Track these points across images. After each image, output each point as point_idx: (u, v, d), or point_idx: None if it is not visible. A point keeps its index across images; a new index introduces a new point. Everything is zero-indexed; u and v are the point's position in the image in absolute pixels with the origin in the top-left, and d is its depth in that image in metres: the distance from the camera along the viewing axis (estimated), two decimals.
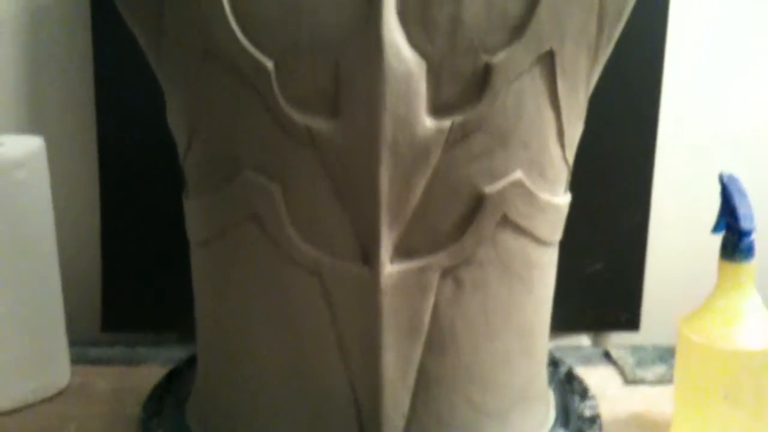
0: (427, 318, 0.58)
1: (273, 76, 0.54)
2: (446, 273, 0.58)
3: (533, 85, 0.56)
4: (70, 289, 0.82)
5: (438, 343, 0.59)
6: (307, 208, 0.57)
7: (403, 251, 0.57)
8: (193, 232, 0.63)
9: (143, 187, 0.87)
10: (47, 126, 0.87)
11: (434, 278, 0.57)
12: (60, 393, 0.79)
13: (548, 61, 0.55)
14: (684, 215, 0.92)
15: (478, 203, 0.57)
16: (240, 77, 0.54)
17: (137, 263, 0.89)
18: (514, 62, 0.54)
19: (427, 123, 0.54)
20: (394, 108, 0.53)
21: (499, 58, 0.54)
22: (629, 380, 0.84)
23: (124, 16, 0.59)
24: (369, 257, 0.56)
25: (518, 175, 0.57)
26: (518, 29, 0.54)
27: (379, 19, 0.52)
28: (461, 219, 0.57)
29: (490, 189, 0.57)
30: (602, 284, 0.92)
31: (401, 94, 0.53)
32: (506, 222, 0.58)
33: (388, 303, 0.56)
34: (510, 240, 0.59)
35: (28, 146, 0.76)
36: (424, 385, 0.59)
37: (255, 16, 0.53)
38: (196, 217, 0.62)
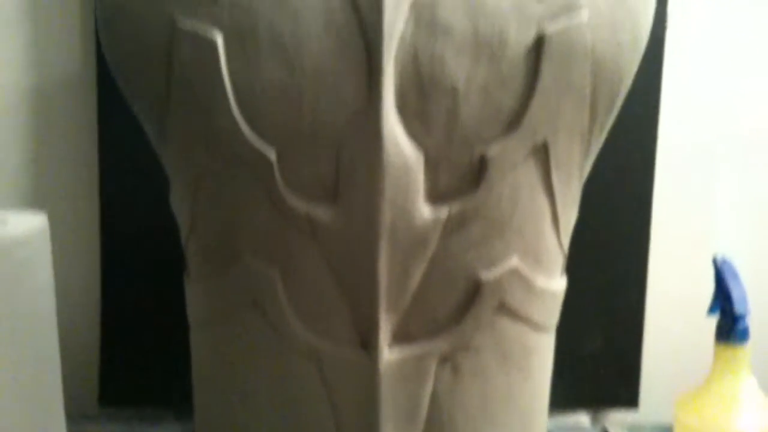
0: (425, 405, 0.58)
1: (275, 165, 0.55)
2: (444, 359, 0.58)
3: (528, 175, 0.57)
4: (69, 363, 0.81)
5: (437, 430, 0.59)
6: (306, 294, 0.57)
7: (401, 337, 0.57)
8: (193, 314, 0.64)
9: (144, 264, 0.88)
10: (50, 202, 0.88)
11: (432, 364, 0.58)
12: None
13: (542, 153, 0.57)
14: (681, 294, 0.93)
15: (475, 290, 0.58)
16: (242, 165, 0.56)
17: (136, 339, 0.89)
18: (509, 154, 0.56)
19: (425, 212, 0.56)
20: (393, 197, 0.54)
21: (494, 150, 0.55)
22: None
23: (129, 103, 0.61)
24: (367, 343, 0.57)
25: (515, 262, 0.58)
26: (513, 122, 0.55)
27: (379, 112, 0.53)
28: (459, 305, 0.58)
29: (487, 276, 0.58)
30: (600, 362, 0.92)
31: (400, 184, 0.54)
32: (504, 308, 0.59)
33: (386, 389, 0.57)
34: (507, 326, 0.59)
35: (32, 224, 0.76)
36: None
37: (258, 107, 0.55)
38: (197, 299, 0.63)
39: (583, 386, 0.92)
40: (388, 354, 0.57)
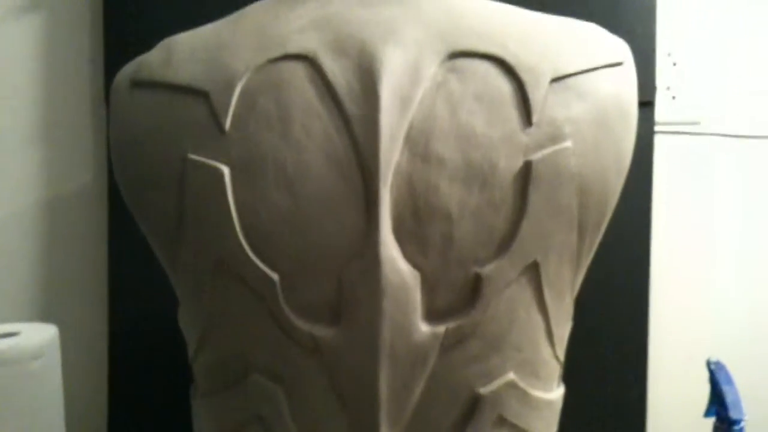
0: None
1: (279, 287, 0.58)
2: None
3: (522, 293, 0.60)
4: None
5: None
6: (309, 410, 0.59)
7: None
8: (200, 428, 0.66)
9: (152, 376, 0.89)
10: (60, 314, 0.90)
11: None
12: None
13: (534, 272, 0.59)
14: (680, 394, 0.95)
15: (474, 404, 0.60)
16: (249, 288, 0.59)
17: (145, 416, 0.90)
18: (502, 273, 0.58)
19: (423, 329, 0.58)
20: (392, 316, 0.57)
21: (488, 270, 0.58)
22: None
23: (142, 228, 0.64)
24: None
25: (511, 376, 0.60)
26: (505, 244, 0.58)
27: (377, 238, 0.56)
28: (459, 419, 0.60)
29: (485, 390, 0.59)
30: None
31: (398, 304, 0.57)
32: (502, 421, 0.60)
33: None
34: None
35: (43, 336, 0.78)
36: None
37: (263, 233, 0.58)
38: (204, 414, 0.65)
39: None
40: None
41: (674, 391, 0.95)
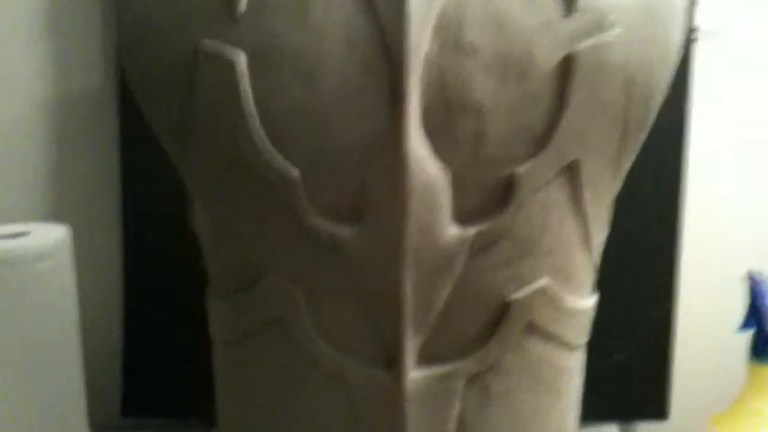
0: (453, 427, 0.58)
1: (299, 184, 0.54)
2: (472, 380, 0.57)
3: (558, 195, 0.56)
4: (92, 374, 0.82)
5: None
6: (330, 314, 0.57)
7: (427, 357, 0.57)
8: (216, 331, 0.64)
9: (167, 275, 0.87)
10: (72, 214, 0.88)
11: (459, 385, 0.57)
12: None
13: (572, 173, 0.56)
14: (712, 305, 0.92)
15: (503, 310, 0.57)
16: (266, 185, 0.55)
17: (160, 349, 0.89)
18: (538, 173, 0.55)
19: (452, 231, 0.55)
20: (419, 217, 0.54)
21: (523, 170, 0.54)
22: None
23: (151, 124, 0.60)
24: (393, 363, 0.56)
25: (544, 282, 0.57)
26: (542, 142, 0.54)
27: (403, 132, 0.53)
28: (486, 326, 0.57)
29: (515, 296, 0.57)
30: (629, 373, 0.90)
31: (425, 204, 0.54)
32: (532, 328, 0.58)
33: (412, 411, 0.56)
34: (537, 346, 0.59)
35: (53, 236, 0.76)
36: None
37: (281, 127, 0.54)
38: (220, 316, 0.63)
39: (611, 398, 0.90)
40: (414, 374, 0.56)
41: (704, 305, 0.92)
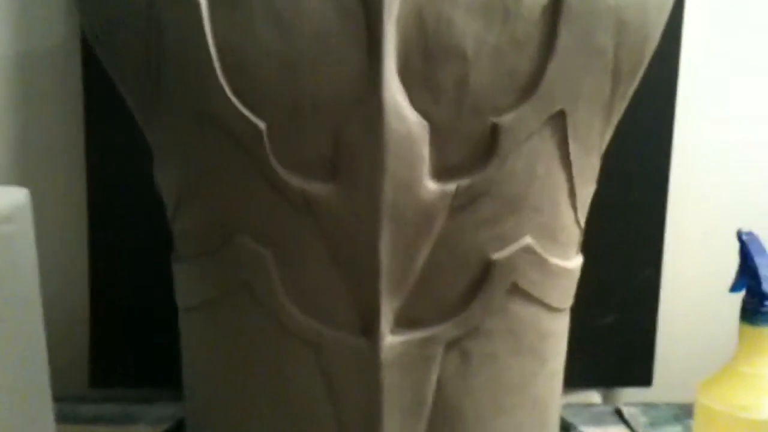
0: (430, 393, 0.55)
1: (266, 138, 0.51)
2: (452, 345, 0.54)
3: (544, 146, 0.53)
4: (58, 344, 0.79)
5: (443, 420, 0.55)
6: (301, 276, 0.53)
7: (405, 322, 0.53)
8: (181, 297, 0.60)
9: (134, 242, 0.84)
10: (35, 177, 0.85)
11: (438, 350, 0.54)
12: None
13: (560, 122, 0.52)
14: (699, 268, 0.90)
15: (485, 271, 0.54)
16: (232, 138, 0.52)
17: (127, 318, 0.86)
18: (523, 123, 0.51)
19: (431, 187, 0.51)
20: (396, 171, 0.50)
21: (507, 119, 0.51)
22: None
23: (111, 75, 0.56)
24: (368, 328, 0.53)
25: (528, 240, 0.54)
26: (528, 89, 0.51)
27: (380, 81, 0.49)
28: (468, 287, 0.54)
29: (498, 255, 0.53)
30: (614, 338, 0.88)
31: (403, 157, 0.50)
32: (516, 290, 0.55)
33: (389, 377, 0.53)
34: (520, 309, 0.56)
35: (13, 199, 0.72)
36: None
37: (249, 75, 0.50)
38: (185, 281, 0.59)
39: (595, 363, 0.88)
40: (390, 339, 0.53)
41: (691, 267, 0.89)
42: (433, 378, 0.54)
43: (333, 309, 0.53)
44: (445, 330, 0.54)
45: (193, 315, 0.59)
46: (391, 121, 0.49)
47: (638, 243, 0.87)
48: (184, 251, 0.58)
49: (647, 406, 0.87)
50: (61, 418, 0.76)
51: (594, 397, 0.92)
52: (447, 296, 0.54)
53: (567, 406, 0.85)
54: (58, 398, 0.77)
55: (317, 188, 0.51)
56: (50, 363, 0.76)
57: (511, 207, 0.53)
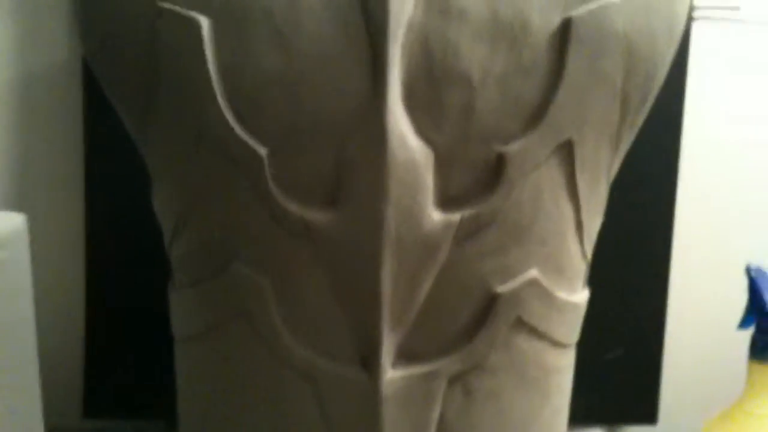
0: (432, 429, 0.52)
1: (266, 163, 0.49)
2: (454, 380, 0.52)
3: (551, 177, 0.51)
4: (51, 372, 0.77)
5: None
6: (300, 306, 0.51)
7: (406, 355, 0.51)
8: (177, 327, 0.58)
9: (131, 269, 0.82)
10: (32, 203, 0.82)
11: (441, 386, 0.52)
12: None
13: (567, 152, 0.51)
14: (705, 303, 0.87)
15: (490, 304, 0.52)
16: (232, 163, 0.50)
17: (123, 348, 0.84)
18: (530, 152, 0.50)
19: (435, 216, 0.50)
20: (399, 199, 0.48)
21: (514, 148, 0.49)
22: None
23: (109, 96, 0.55)
24: (368, 361, 0.51)
25: (534, 273, 0.52)
26: (535, 117, 0.49)
27: (384, 106, 0.47)
28: (471, 321, 0.52)
29: (503, 289, 0.52)
30: (618, 375, 0.85)
31: (406, 185, 0.48)
32: (521, 324, 0.53)
33: (389, 413, 0.51)
34: (525, 344, 0.54)
35: (10, 225, 0.71)
36: None
37: (249, 97, 0.49)
38: (181, 310, 0.57)
39: (598, 400, 0.85)
40: (391, 374, 0.51)
41: (698, 303, 0.87)
42: (435, 414, 0.52)
43: (331, 341, 0.51)
44: (447, 364, 0.52)
45: (190, 345, 0.57)
46: (395, 147, 0.48)
47: (643, 274, 0.84)
48: (181, 280, 0.56)
49: None
50: None
51: None
52: (450, 329, 0.52)
53: None
54: (50, 429, 0.75)
55: (317, 216, 0.49)
56: (43, 392, 0.74)
57: (516, 238, 0.51)
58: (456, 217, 0.50)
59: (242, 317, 0.52)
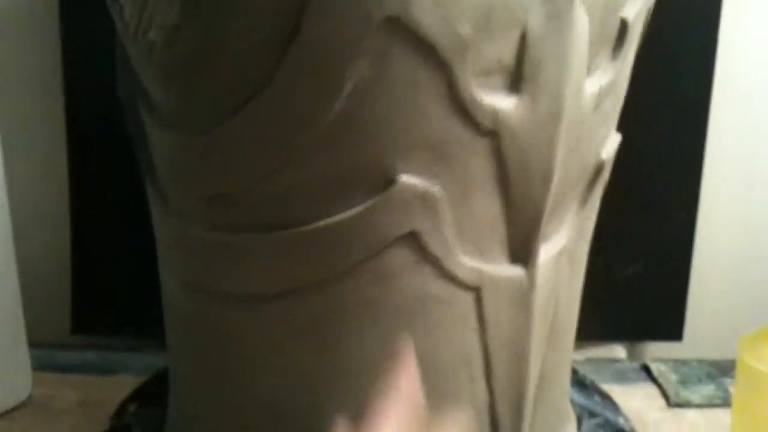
0: (552, 308, 0.50)
1: (470, 47, 0.40)
2: (565, 251, 0.50)
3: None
4: (38, 287, 0.73)
5: (554, 335, 0.51)
6: (468, 213, 0.45)
7: (544, 239, 0.48)
8: (260, 283, 0.46)
9: (117, 182, 0.74)
10: (11, 119, 0.76)
11: (563, 261, 0.49)
12: (19, 406, 0.68)
13: None
14: (738, 210, 0.80)
15: (597, 171, 0.50)
16: (425, 52, 0.40)
17: (111, 262, 0.77)
18: (638, 18, 0.47)
19: (587, 89, 0.45)
20: (577, 75, 0.43)
21: (632, 12, 0.46)
22: (672, 403, 0.70)
23: None
24: (521, 255, 0.47)
25: (617, 137, 0.51)
26: None
27: None
28: (583, 191, 0.50)
29: (606, 155, 0.50)
30: (641, 287, 0.76)
31: (581, 58, 0.43)
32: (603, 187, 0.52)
33: (537, 301, 0.48)
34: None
35: None
36: (540, 385, 0.51)
37: None
38: (275, 257, 0.45)
39: (620, 314, 0.77)
40: (541, 261, 0.47)
41: (731, 216, 0.80)
42: (556, 292, 0.50)
43: (491, 243, 0.46)
44: (569, 240, 0.50)
45: (283, 302, 0.46)
46: (577, 18, 0.42)
47: (671, 183, 0.78)
48: (294, 217, 0.44)
49: (677, 363, 0.75)
50: (37, 367, 0.71)
51: (619, 351, 0.79)
52: (570, 205, 0.49)
53: (588, 361, 0.76)
54: (36, 344, 0.70)
55: (504, 103, 0.42)
56: (30, 308, 0.71)
57: (618, 105, 0.50)
58: (596, 88, 0.45)
59: (402, 243, 0.44)
